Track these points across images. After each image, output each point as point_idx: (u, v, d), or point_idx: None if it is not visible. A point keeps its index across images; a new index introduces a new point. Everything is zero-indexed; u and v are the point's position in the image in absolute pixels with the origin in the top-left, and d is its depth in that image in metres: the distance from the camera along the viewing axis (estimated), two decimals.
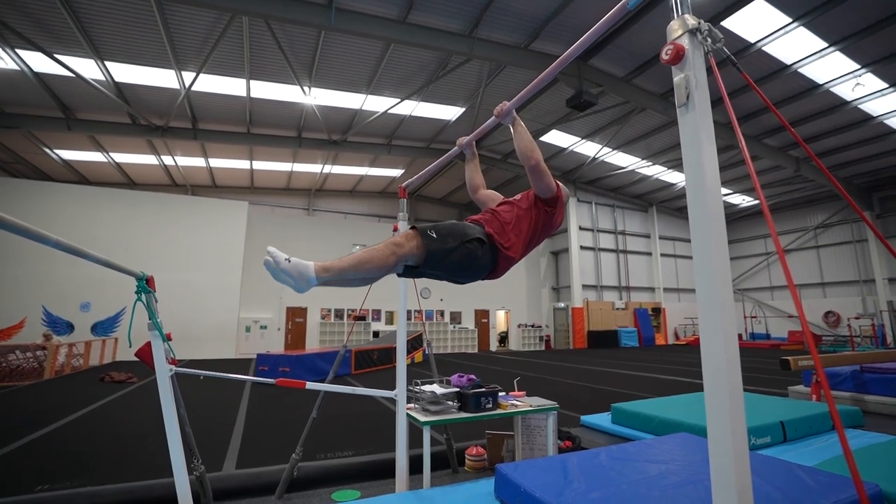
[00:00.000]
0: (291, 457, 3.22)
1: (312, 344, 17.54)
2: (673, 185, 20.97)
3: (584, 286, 21.18)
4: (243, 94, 12.53)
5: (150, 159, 16.50)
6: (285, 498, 3.17)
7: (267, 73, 11.66)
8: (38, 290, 13.67)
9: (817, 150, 15.96)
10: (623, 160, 18.45)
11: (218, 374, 2.65)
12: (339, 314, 18.28)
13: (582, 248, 21.40)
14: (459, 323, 20.13)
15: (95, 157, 15.98)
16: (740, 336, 21.19)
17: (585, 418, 5.24)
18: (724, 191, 20.73)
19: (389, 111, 13.66)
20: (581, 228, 21.52)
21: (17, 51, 10.20)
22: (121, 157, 16.27)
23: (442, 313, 19.82)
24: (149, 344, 2.65)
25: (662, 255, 23.86)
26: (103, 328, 14.12)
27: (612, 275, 22.50)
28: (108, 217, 14.81)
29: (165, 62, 10.86)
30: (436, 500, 2.59)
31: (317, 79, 12.04)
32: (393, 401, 3.14)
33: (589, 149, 17.46)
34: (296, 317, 17.74)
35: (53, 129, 13.11)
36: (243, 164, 17.70)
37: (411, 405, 3.16)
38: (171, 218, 15.75)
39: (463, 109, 14.14)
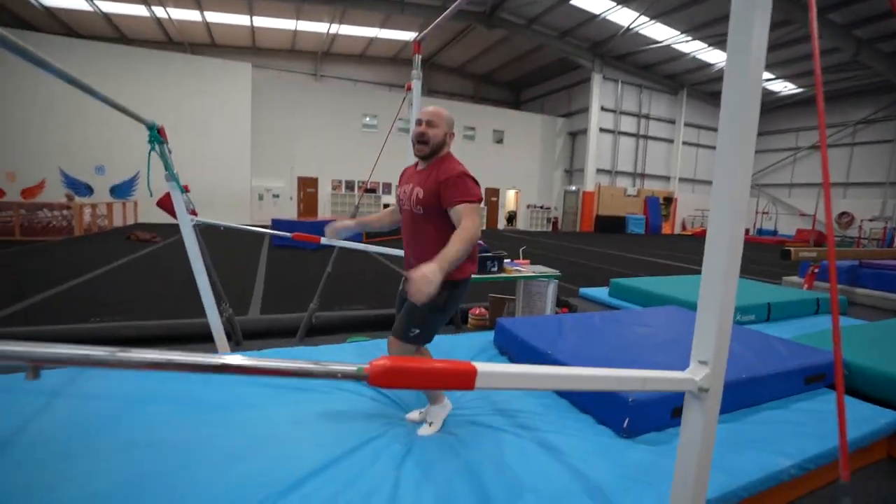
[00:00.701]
0: (310, 306, 3.53)
1: (324, 213, 17.98)
2: (711, 65, 19.12)
3: (599, 170, 20.75)
4: None
5: (139, 10, 15.13)
6: (305, 341, 3.55)
7: None
8: (53, 153, 13.70)
9: (885, 31, 14.17)
10: (660, 33, 16.59)
11: (237, 225, 2.78)
12: (349, 186, 18.39)
13: (601, 130, 20.46)
14: None
15: (79, 3, 14.61)
16: (747, 231, 21.28)
17: (584, 290, 5.57)
18: (767, 75, 18.98)
19: None
20: (603, 109, 20.31)
21: None
22: (108, 7, 14.89)
23: None
24: (168, 195, 2.75)
25: (684, 143, 22.82)
26: (122, 191, 14.45)
27: (628, 160, 21.85)
28: (102, 74, 13.91)
29: None
30: (441, 346, 2.89)
31: None
32: (401, 265, 3.32)
33: (624, 17, 15.62)
34: (307, 187, 17.90)
35: None
36: (243, 20, 16.24)
37: None
38: (171, 79, 14.96)
39: None
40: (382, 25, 16.86)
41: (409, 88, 2.80)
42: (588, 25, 16.56)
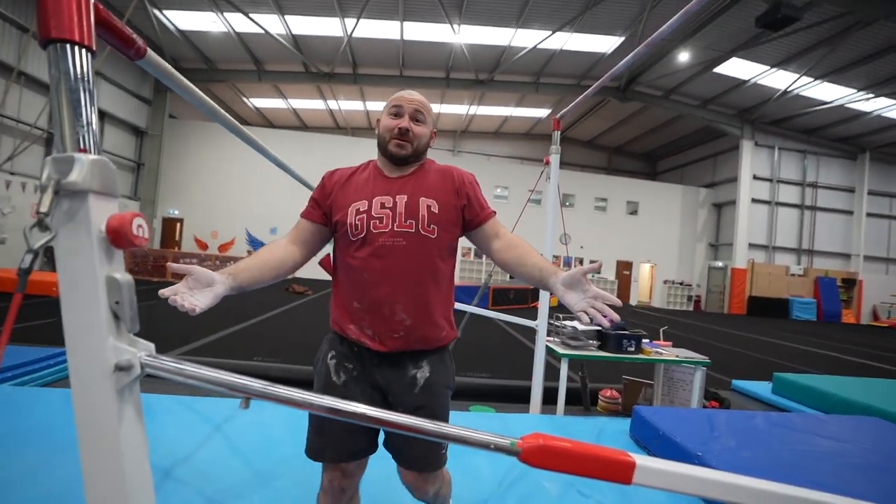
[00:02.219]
0: None
1: (455, 279, 18.68)
2: None
3: (752, 245, 18.30)
4: (397, 36, 13.07)
5: (318, 104, 18.58)
6: None
7: (418, 12, 11.91)
8: (243, 216, 16.98)
9: None
10: (829, 93, 14.73)
11: None
12: (478, 253, 19.02)
13: (754, 200, 18.26)
14: (598, 273, 19.33)
15: (278, 103, 18.59)
16: None
17: (738, 383, 4.77)
18: None
19: (539, 46, 12.95)
20: (755, 178, 18.25)
21: (224, 14, 12.08)
22: (296, 104, 18.66)
23: (581, 261, 19.17)
24: (328, 256, 3.16)
25: (870, 214, 19.06)
26: None
27: (790, 235, 18.95)
28: (287, 155, 17.16)
29: (331, 11, 11.79)
30: (569, 427, 2.69)
31: (466, 15, 11.89)
32: (529, 336, 3.25)
33: (779, 80, 14.32)
34: None
35: (248, 81, 15.60)
36: None
37: (550, 338, 3.24)
38: (336, 156, 17.55)
39: (622, 39, 12.68)
40: (518, 105, 18.00)
41: (548, 162, 2.90)
42: (735, 92, 15.50)
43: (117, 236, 0.60)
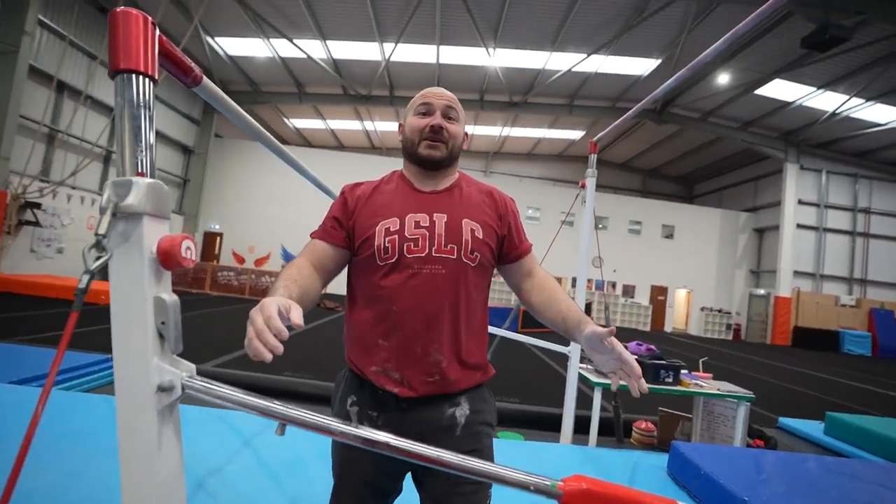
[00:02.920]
0: None
1: None
2: None
3: (797, 273, 17.37)
4: (433, 60, 13.39)
5: (355, 125, 19.16)
6: None
7: (455, 37, 12.19)
8: (278, 233, 17.51)
9: None
10: (882, 114, 14.03)
11: None
12: None
13: (799, 226, 17.40)
14: (632, 297, 18.77)
15: (316, 124, 19.28)
16: None
17: (785, 421, 4.48)
18: None
19: (574, 69, 12.97)
20: (801, 203, 17.44)
21: (270, 40, 12.72)
22: (334, 124, 19.30)
23: (614, 285, 18.70)
24: None
25: None
26: None
27: (840, 263, 17.90)
28: (324, 173, 17.72)
29: (371, 36, 12.24)
30: (602, 460, 2.57)
31: (501, 39, 12.09)
32: (559, 362, 3.16)
33: (827, 101, 13.77)
34: None
35: (290, 102, 16.28)
36: None
37: (583, 365, 3.14)
38: (371, 175, 18.04)
39: (658, 62, 12.55)
40: (551, 126, 18.00)
41: (584, 186, 2.85)
42: (778, 114, 14.99)
43: (167, 258, 0.61)
